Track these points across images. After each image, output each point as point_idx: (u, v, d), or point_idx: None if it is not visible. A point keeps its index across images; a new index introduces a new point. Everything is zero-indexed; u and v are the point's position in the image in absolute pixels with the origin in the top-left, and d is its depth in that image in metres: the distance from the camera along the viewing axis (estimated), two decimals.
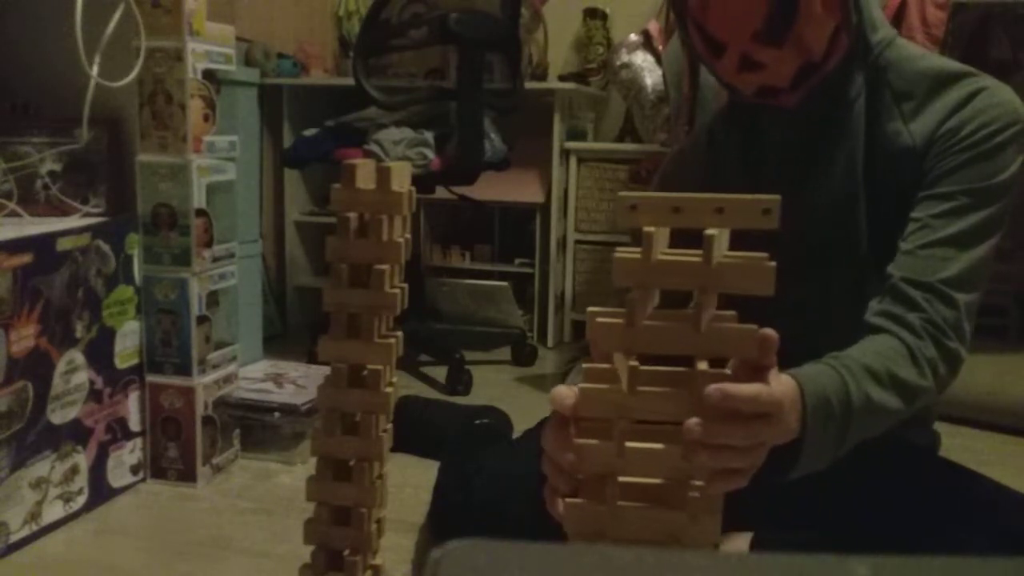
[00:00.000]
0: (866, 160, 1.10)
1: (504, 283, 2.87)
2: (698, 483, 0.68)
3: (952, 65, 1.13)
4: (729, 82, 1.11)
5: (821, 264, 1.13)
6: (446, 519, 1.32)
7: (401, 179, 0.96)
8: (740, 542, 1.06)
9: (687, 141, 1.32)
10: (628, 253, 0.66)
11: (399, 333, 1.00)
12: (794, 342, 1.12)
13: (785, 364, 1.05)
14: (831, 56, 1.08)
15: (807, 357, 1.03)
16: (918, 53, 1.15)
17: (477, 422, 1.89)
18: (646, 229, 0.64)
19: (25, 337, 1.42)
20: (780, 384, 0.79)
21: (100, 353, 1.59)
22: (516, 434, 1.75)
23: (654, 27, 2.75)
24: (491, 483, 1.23)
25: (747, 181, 1.15)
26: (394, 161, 1.77)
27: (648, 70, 2.69)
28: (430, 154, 2.25)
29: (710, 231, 0.65)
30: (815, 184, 1.13)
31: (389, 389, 0.99)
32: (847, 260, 1.12)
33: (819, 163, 1.13)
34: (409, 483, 1.66)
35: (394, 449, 1.05)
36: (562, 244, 2.94)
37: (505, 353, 2.71)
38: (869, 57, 1.12)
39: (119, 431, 1.64)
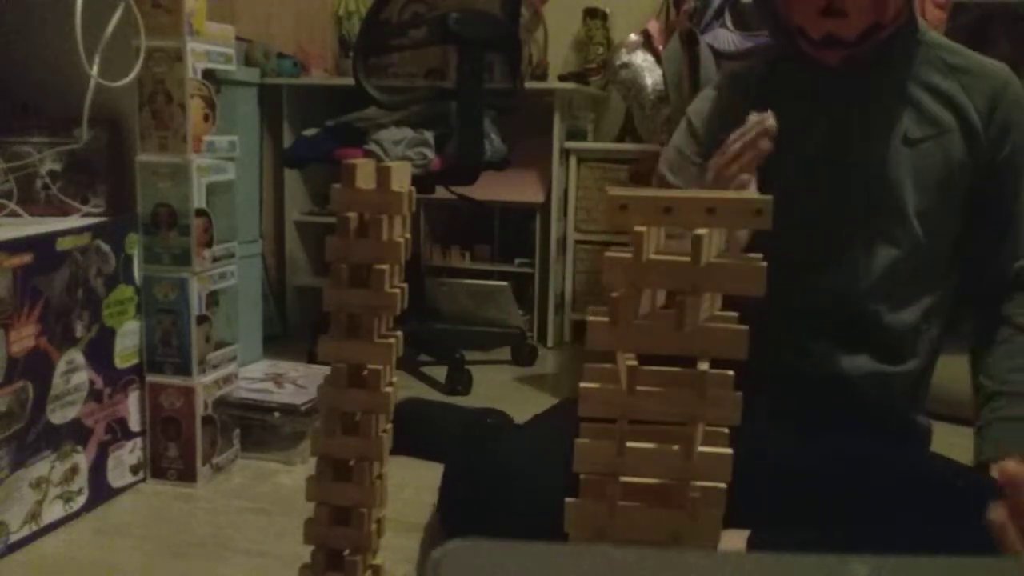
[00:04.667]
0: (914, 128, 1.16)
1: (504, 283, 2.87)
2: (700, 483, 0.68)
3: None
4: (801, 24, 1.14)
5: (866, 226, 1.17)
6: (455, 510, 1.31)
7: (401, 179, 0.96)
8: (736, 540, 1.06)
9: (713, 102, 1.35)
10: (619, 253, 0.66)
11: (399, 333, 1.00)
12: (837, 304, 1.18)
13: (824, 324, 1.12)
14: (895, 20, 1.14)
15: (848, 320, 1.10)
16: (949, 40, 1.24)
17: (482, 422, 1.89)
18: (637, 229, 0.64)
19: (25, 337, 1.42)
20: None
21: (100, 353, 1.59)
22: None
23: (654, 27, 2.75)
24: (501, 471, 1.23)
25: (798, 144, 1.19)
26: (394, 161, 1.77)
27: (648, 70, 2.69)
28: (430, 154, 2.25)
29: (699, 231, 0.64)
30: (862, 148, 1.18)
31: (389, 389, 0.99)
32: (892, 224, 1.17)
33: (867, 128, 1.18)
34: (409, 483, 1.66)
35: (396, 452, 1.05)
36: (562, 244, 2.94)
37: (505, 353, 2.71)
38: (918, 34, 1.18)
39: (119, 431, 1.64)
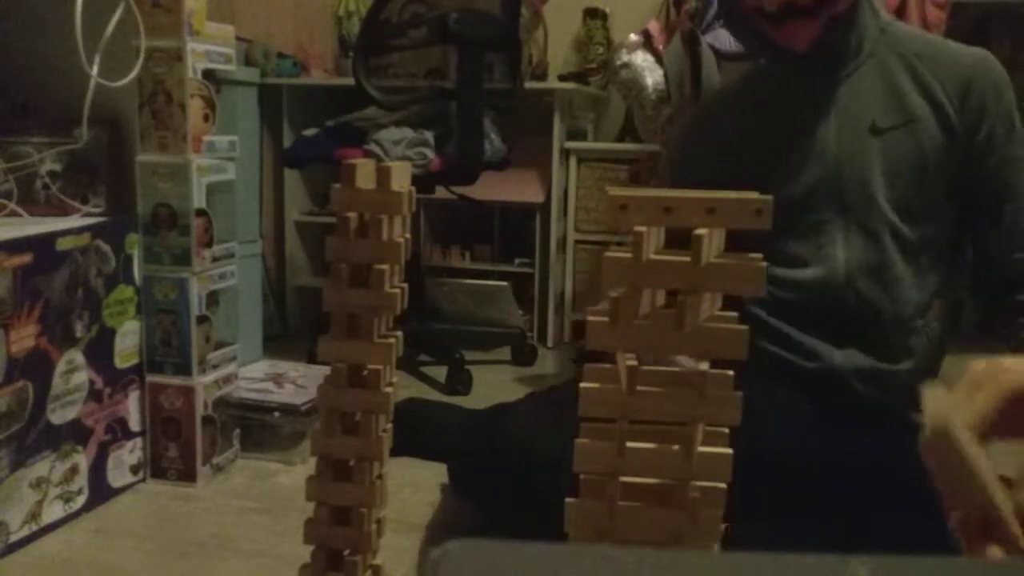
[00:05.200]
0: (883, 117, 1.16)
1: (504, 283, 2.87)
2: (700, 483, 0.68)
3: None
4: (757, 3, 1.14)
5: (842, 216, 1.18)
6: (473, 464, 1.30)
7: (401, 179, 0.96)
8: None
9: (694, 114, 1.39)
10: (618, 253, 0.66)
11: (399, 333, 1.00)
12: (819, 295, 1.18)
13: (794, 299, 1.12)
14: None
15: (833, 312, 1.11)
16: (922, 31, 1.24)
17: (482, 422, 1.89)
18: (637, 229, 0.64)
19: (25, 337, 1.42)
20: None
21: (100, 353, 1.59)
22: None
23: (654, 27, 2.75)
24: (520, 423, 1.22)
25: (775, 137, 1.20)
26: (394, 161, 1.77)
27: (648, 70, 2.69)
28: (430, 154, 2.25)
29: (699, 231, 0.64)
30: (833, 138, 1.18)
31: (389, 389, 0.99)
32: (867, 214, 1.17)
33: (837, 117, 1.19)
34: (409, 483, 1.66)
35: (397, 453, 1.04)
36: (562, 244, 2.94)
37: (505, 353, 2.71)
38: (879, 22, 1.18)
39: (119, 431, 1.64)
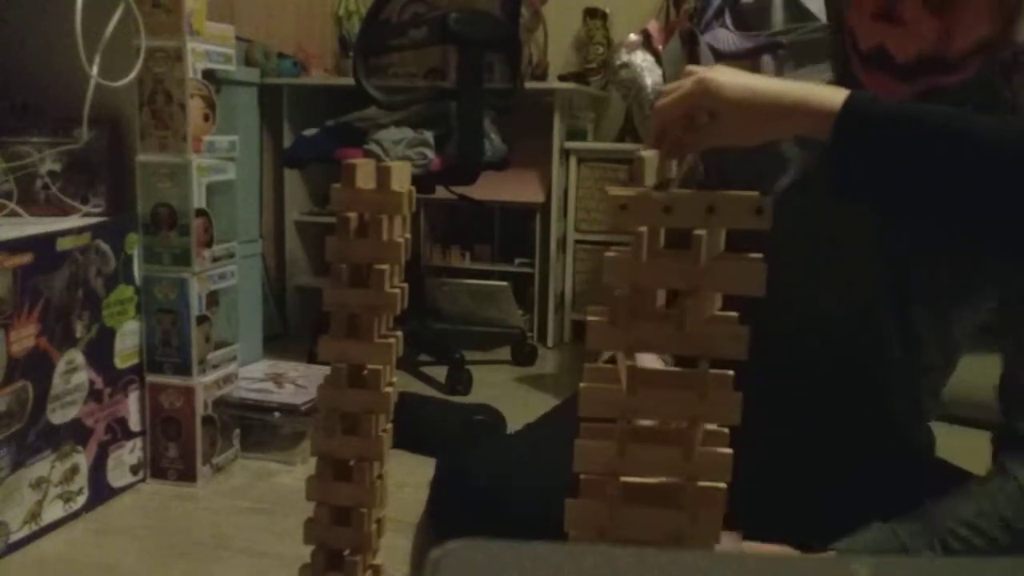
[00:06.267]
0: None
1: (504, 283, 2.87)
2: (700, 483, 0.68)
3: None
4: (855, 27, 0.98)
5: (835, 250, 1.08)
6: (444, 510, 1.31)
7: (401, 179, 0.96)
8: (729, 541, 1.05)
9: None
10: (619, 253, 0.66)
11: (399, 333, 1.00)
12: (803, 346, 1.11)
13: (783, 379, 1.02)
14: (963, 65, 0.95)
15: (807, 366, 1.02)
16: None
17: (474, 418, 1.89)
18: (637, 229, 0.64)
19: (25, 337, 1.42)
20: None
21: (100, 353, 1.59)
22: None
23: (654, 27, 2.75)
24: (492, 471, 1.22)
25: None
26: (394, 161, 1.77)
27: (648, 70, 2.69)
28: (430, 154, 2.25)
29: (698, 231, 0.65)
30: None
31: (389, 389, 0.99)
32: (859, 250, 1.08)
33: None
34: (409, 483, 1.66)
35: (394, 446, 1.05)
36: (562, 244, 2.94)
37: (505, 353, 2.71)
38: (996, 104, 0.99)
39: (119, 431, 1.64)
